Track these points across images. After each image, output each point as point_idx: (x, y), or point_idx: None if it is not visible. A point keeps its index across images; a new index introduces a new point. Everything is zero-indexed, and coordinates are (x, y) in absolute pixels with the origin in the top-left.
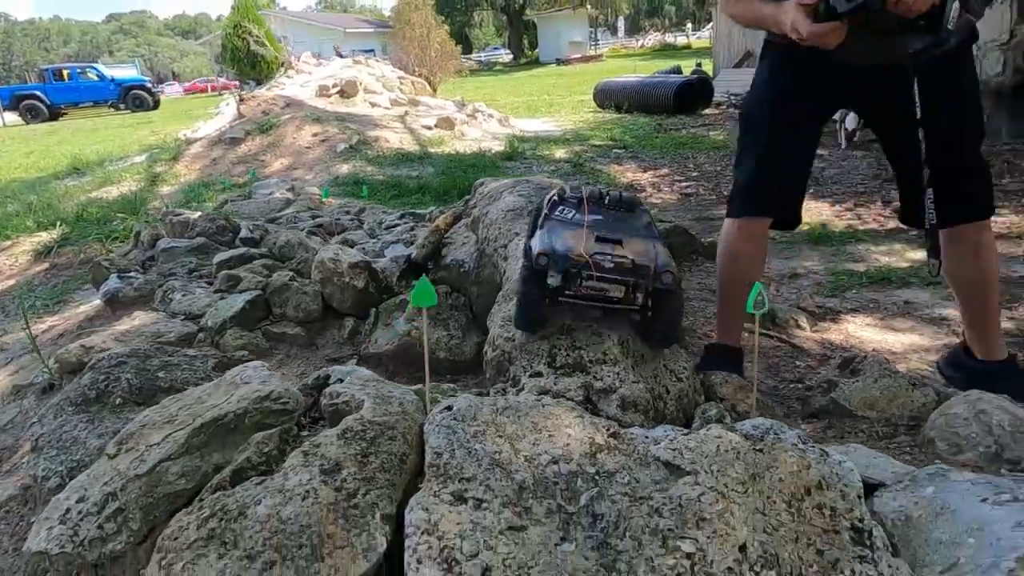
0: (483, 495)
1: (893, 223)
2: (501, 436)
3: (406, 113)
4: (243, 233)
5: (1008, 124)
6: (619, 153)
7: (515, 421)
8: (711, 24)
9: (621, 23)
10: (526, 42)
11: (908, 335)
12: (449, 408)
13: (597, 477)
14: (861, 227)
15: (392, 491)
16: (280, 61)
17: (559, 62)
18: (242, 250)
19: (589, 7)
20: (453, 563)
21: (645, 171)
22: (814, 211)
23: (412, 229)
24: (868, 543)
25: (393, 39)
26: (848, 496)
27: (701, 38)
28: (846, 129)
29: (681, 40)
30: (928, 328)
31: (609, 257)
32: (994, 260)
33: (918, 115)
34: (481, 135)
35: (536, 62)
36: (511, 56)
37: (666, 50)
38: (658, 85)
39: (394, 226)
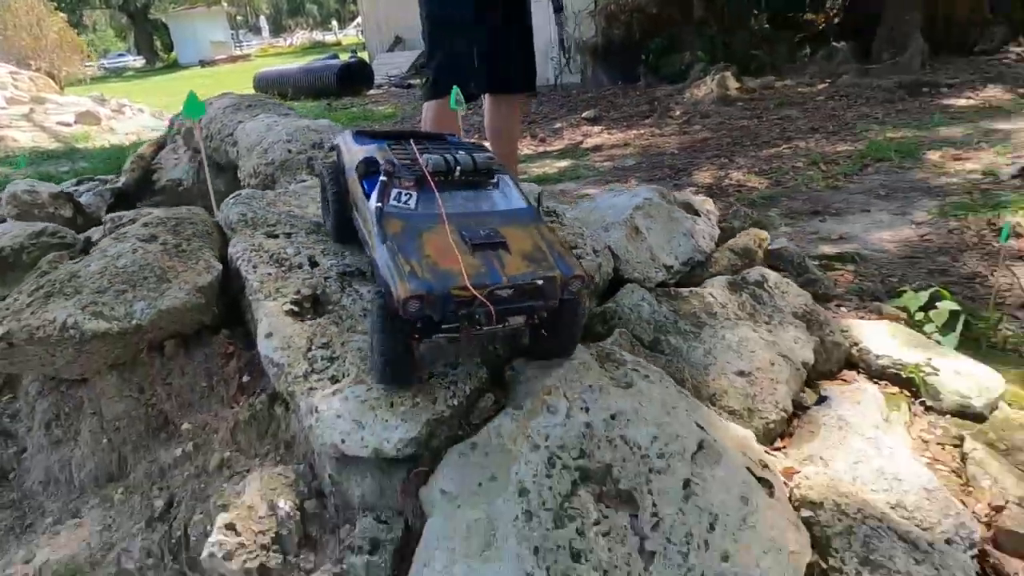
0: (289, 231)
1: (541, 148)
2: (287, 204)
3: (31, 111)
4: None
5: (605, 74)
6: None
7: (296, 196)
8: (356, 21)
9: (264, 22)
10: (159, 44)
11: None
12: (240, 193)
13: None
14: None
15: (211, 247)
16: None
17: (203, 64)
18: None
19: (226, 5)
20: (283, 260)
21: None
22: None
23: None
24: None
25: None
26: None
27: (349, 35)
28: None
29: (330, 38)
30: None
31: (504, 281)
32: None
33: None
34: (138, 128)
35: (176, 65)
36: (144, 60)
37: (317, 47)
38: (321, 69)
39: None
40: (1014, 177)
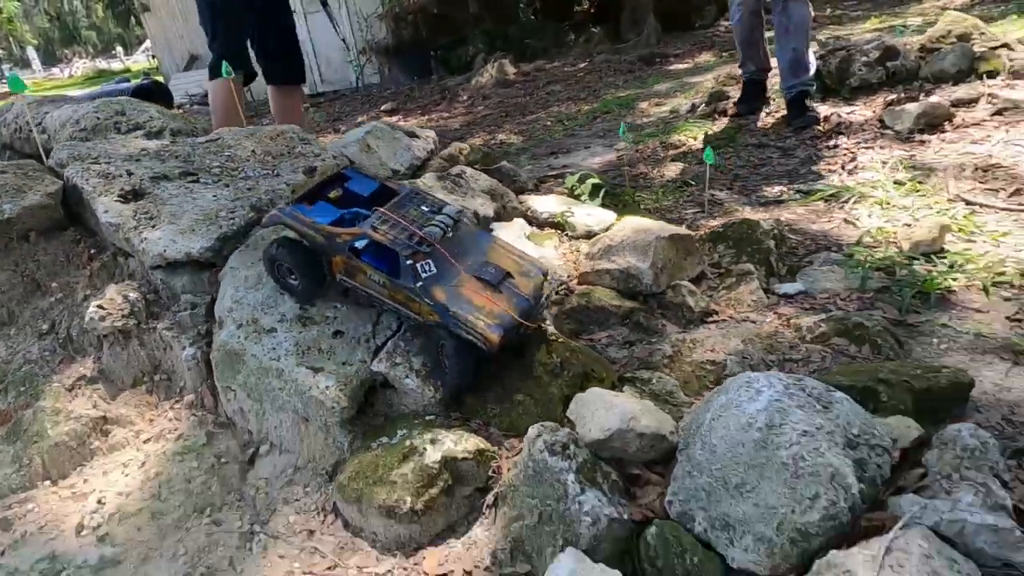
0: (108, 160)
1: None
2: (103, 148)
3: None
4: None
5: (401, 72)
6: None
7: (110, 143)
8: (145, 45)
9: (33, 54)
10: None
11: None
12: (64, 144)
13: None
14: None
15: (50, 177)
16: None
17: None
18: None
19: None
20: (107, 174)
21: None
22: None
23: None
24: None
25: None
26: None
27: (138, 62)
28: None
29: (117, 65)
30: None
31: (530, 301)
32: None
33: None
34: None
35: None
36: None
37: (103, 76)
38: (112, 93)
39: None
40: (687, 112)
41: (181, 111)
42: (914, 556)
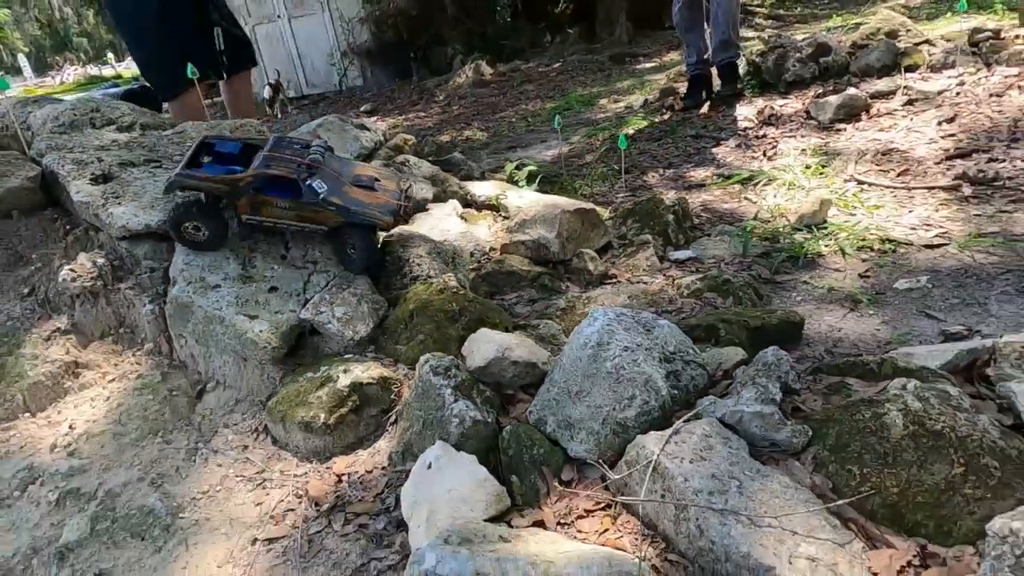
0: (82, 149)
1: None
2: (78, 139)
3: None
4: None
5: (383, 74)
6: None
7: (85, 136)
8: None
9: (24, 61)
10: None
11: None
12: (42, 136)
13: None
14: None
15: (30, 165)
16: None
17: None
18: None
19: None
20: (79, 161)
21: None
22: None
23: None
24: None
25: None
26: None
27: (130, 67)
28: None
29: (108, 71)
30: None
31: (401, 196)
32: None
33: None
34: None
35: None
36: None
37: (95, 82)
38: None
39: None
40: (640, 107)
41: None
42: (695, 436)
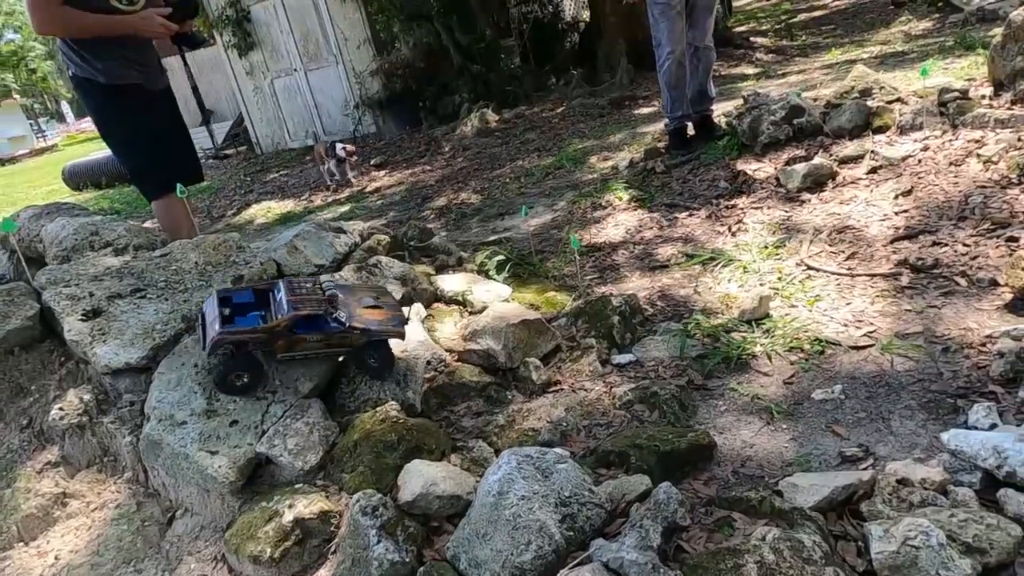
0: (78, 282)
1: (332, 197)
2: (75, 270)
3: None
4: None
5: (394, 122)
6: (115, 217)
7: (82, 266)
8: None
9: (67, 107)
10: None
11: None
12: (44, 268)
13: None
14: (313, 205)
15: (32, 299)
16: None
17: (3, 162)
18: None
19: (18, 97)
20: (73, 296)
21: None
22: (283, 206)
23: None
24: None
25: None
26: None
27: None
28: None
29: None
30: None
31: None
32: None
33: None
34: None
35: None
36: None
37: None
38: None
39: None
40: (625, 168)
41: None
42: None
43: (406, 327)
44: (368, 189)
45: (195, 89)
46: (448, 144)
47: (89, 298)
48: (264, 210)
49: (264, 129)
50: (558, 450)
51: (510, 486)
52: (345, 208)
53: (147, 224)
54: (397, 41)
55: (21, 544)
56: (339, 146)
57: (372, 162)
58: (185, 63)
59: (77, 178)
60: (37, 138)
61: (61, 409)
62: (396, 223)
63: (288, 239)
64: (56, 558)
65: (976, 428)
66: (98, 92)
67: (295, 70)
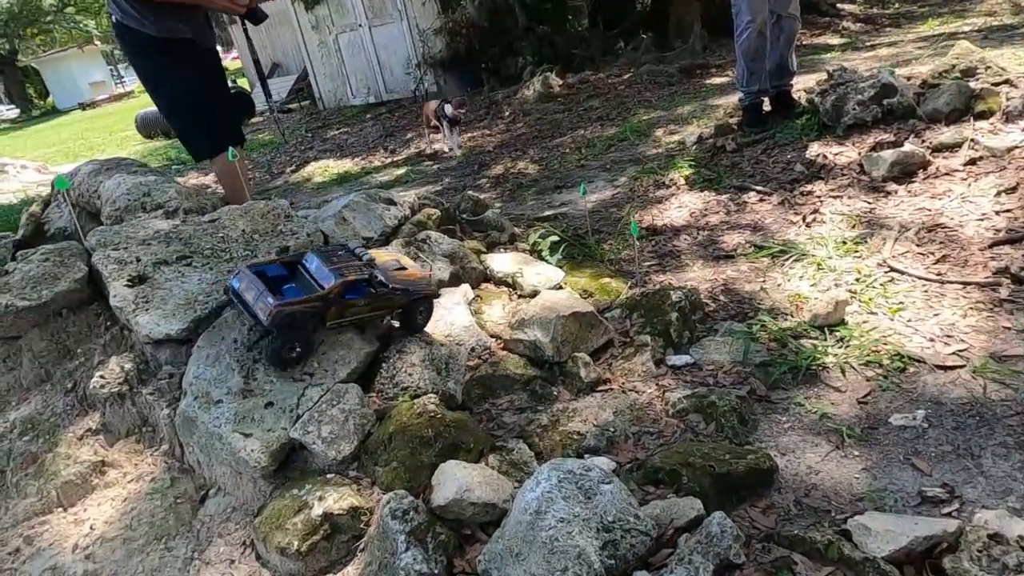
0: (126, 245)
1: (390, 159)
2: (125, 233)
3: None
4: None
5: (456, 83)
6: (179, 168)
7: (132, 228)
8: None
9: None
10: (32, 91)
11: None
12: (96, 229)
13: None
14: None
15: (81, 260)
16: None
17: (83, 107)
18: None
19: (100, 44)
20: (121, 260)
21: (207, 175)
22: (340, 165)
23: None
24: None
25: None
26: None
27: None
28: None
29: None
30: None
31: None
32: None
33: None
34: (23, 185)
35: (54, 111)
36: (18, 110)
37: None
38: None
39: None
40: (693, 144)
41: (263, 117)
42: None
43: (455, 306)
44: (426, 152)
45: (259, 71)
46: (509, 108)
47: (136, 263)
48: (322, 168)
49: (327, 85)
50: (603, 464)
51: (549, 506)
52: (401, 171)
53: (208, 179)
54: None
55: (60, 510)
56: (448, 107)
57: (431, 123)
58: (248, 39)
59: (148, 127)
60: (116, 84)
61: (102, 377)
62: (451, 191)
63: (337, 209)
64: (91, 528)
65: None
66: (148, 44)
67: (360, 25)
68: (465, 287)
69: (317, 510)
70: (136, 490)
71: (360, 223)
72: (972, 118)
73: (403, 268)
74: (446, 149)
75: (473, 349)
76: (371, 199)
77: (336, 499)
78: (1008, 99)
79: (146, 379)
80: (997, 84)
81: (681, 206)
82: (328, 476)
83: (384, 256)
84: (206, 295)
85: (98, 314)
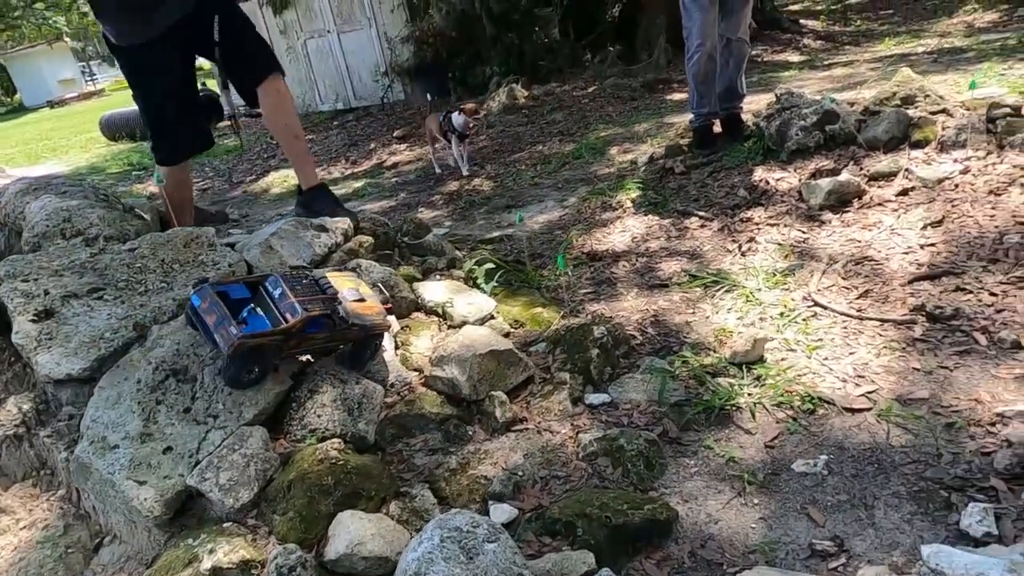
0: (37, 277)
1: (350, 170)
2: (38, 262)
3: None
4: None
5: (422, 91)
6: (139, 174)
7: (48, 258)
8: None
9: None
10: None
11: None
12: (7, 259)
13: None
14: (330, 178)
15: None
16: None
17: (52, 104)
18: None
19: (69, 41)
20: (28, 293)
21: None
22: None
23: None
24: None
25: None
26: None
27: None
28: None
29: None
30: None
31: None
32: (284, 112)
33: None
34: None
35: (21, 108)
36: None
37: None
38: None
39: None
40: (644, 164)
41: (229, 123)
42: None
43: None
44: (387, 163)
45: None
46: (473, 120)
47: (44, 296)
48: (282, 178)
49: (295, 90)
50: (502, 514)
51: (429, 567)
52: (360, 184)
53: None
54: (431, 7)
55: None
56: (456, 116)
57: (394, 134)
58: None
59: (113, 129)
60: (87, 81)
61: None
62: (404, 207)
63: (264, 236)
64: None
65: (967, 534)
66: (116, 53)
67: (328, 32)
68: (390, 319)
69: (206, 563)
70: (27, 538)
71: (288, 251)
72: (909, 147)
73: (362, 299)
74: (463, 170)
75: (392, 385)
76: (301, 226)
77: (227, 551)
78: (944, 128)
79: (46, 420)
80: (935, 112)
81: (624, 230)
82: (225, 525)
83: (346, 282)
84: (113, 331)
85: (4, 348)
